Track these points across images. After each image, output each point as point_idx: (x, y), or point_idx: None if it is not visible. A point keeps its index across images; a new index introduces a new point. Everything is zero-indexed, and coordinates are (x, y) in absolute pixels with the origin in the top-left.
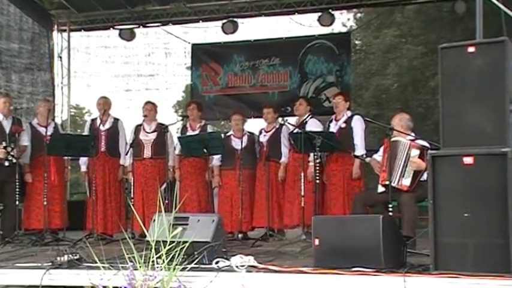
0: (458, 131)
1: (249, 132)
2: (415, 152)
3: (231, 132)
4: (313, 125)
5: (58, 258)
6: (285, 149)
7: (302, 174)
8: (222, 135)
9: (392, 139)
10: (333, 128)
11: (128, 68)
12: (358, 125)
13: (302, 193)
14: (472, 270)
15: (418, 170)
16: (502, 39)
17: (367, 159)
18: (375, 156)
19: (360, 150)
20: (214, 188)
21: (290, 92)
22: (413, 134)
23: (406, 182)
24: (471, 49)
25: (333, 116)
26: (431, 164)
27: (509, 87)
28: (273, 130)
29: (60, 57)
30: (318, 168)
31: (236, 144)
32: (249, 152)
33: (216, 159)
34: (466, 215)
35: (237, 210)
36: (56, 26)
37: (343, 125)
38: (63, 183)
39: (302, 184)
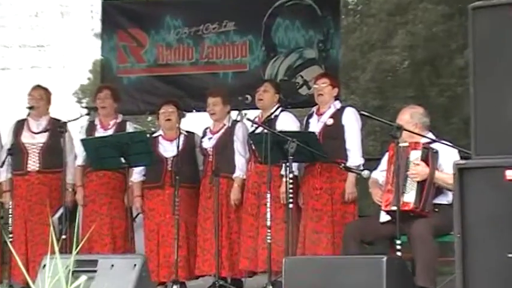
0: (498, 133)
1: (186, 131)
2: (415, 155)
3: (159, 133)
4: (286, 122)
5: None
6: (240, 159)
7: (268, 195)
8: (148, 135)
9: (402, 144)
10: (315, 126)
11: (2, 34)
12: (352, 121)
13: (268, 223)
14: None
15: (423, 180)
16: None
17: (365, 174)
18: (375, 173)
19: (355, 158)
20: (136, 216)
21: (251, 72)
22: (431, 135)
23: (409, 197)
24: None
25: (314, 109)
26: (458, 180)
27: None
28: (223, 130)
29: None
30: (292, 186)
31: (166, 149)
32: (187, 162)
33: (136, 173)
34: (510, 255)
35: (168, 249)
36: None
37: (330, 122)
38: None
39: (268, 210)
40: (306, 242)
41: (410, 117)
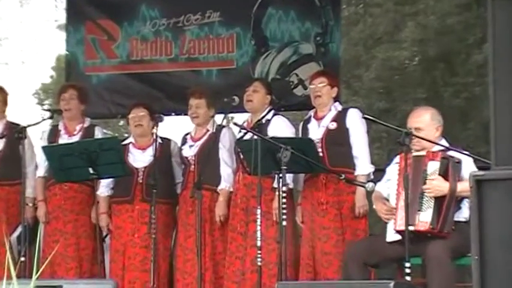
0: None
1: (161, 138)
2: (432, 167)
3: (129, 140)
4: (279, 127)
5: None
6: (226, 169)
7: (258, 211)
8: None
9: (415, 153)
10: (315, 131)
11: None
12: (357, 124)
13: (258, 243)
14: None
15: (441, 196)
16: None
17: (369, 186)
18: (379, 186)
19: (364, 166)
20: (106, 235)
21: (238, 70)
22: (444, 142)
23: (426, 216)
24: None
25: (311, 113)
26: (476, 193)
27: None
28: (206, 137)
29: None
30: (285, 200)
31: (136, 159)
32: (161, 173)
33: (104, 186)
34: None
35: (134, 274)
36: None
37: (333, 126)
38: None
39: (259, 228)
40: (317, 266)
41: (431, 118)
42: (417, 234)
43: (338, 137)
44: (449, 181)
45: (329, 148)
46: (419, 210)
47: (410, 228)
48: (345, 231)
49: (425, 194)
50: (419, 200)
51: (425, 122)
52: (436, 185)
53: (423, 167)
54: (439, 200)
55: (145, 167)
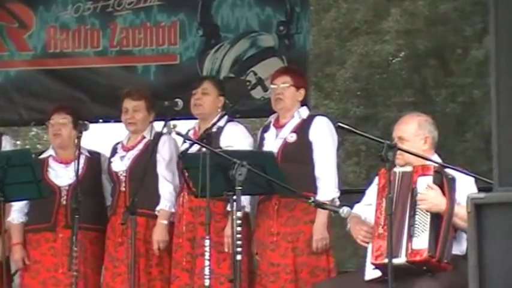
0: None
1: (89, 152)
2: (424, 182)
3: (49, 152)
4: (234, 136)
5: None
6: (166, 186)
7: (208, 242)
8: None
9: (398, 169)
10: (270, 143)
11: None
12: (324, 137)
13: (207, 282)
14: None
15: (437, 217)
16: None
17: (344, 212)
18: (357, 208)
19: (326, 190)
20: (15, 272)
21: (182, 66)
22: (437, 158)
23: (421, 243)
24: None
25: (272, 119)
26: (475, 220)
27: None
28: (141, 146)
29: None
30: (241, 229)
31: (58, 175)
32: (89, 194)
33: (16, 211)
34: None
35: None
36: None
37: (292, 138)
38: None
39: (207, 263)
40: None
41: (419, 127)
42: (402, 269)
43: (297, 152)
44: (445, 196)
45: (285, 165)
46: (411, 236)
47: (399, 261)
48: (301, 270)
49: (417, 216)
50: (410, 224)
51: (409, 131)
52: (433, 196)
53: (412, 185)
54: (434, 222)
55: (69, 185)
